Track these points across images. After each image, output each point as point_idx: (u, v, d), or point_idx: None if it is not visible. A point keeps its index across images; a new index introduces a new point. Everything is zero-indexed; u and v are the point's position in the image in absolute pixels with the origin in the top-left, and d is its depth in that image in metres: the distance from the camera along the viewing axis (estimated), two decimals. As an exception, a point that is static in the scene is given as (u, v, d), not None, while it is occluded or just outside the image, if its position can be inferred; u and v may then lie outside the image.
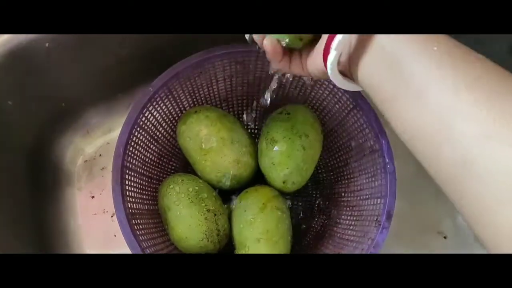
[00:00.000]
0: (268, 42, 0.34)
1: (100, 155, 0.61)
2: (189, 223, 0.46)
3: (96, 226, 0.58)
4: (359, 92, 0.47)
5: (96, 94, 0.59)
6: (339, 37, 0.28)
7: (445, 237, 0.58)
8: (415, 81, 0.24)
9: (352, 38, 0.28)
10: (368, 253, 0.43)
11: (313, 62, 0.33)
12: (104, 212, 0.58)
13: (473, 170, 0.21)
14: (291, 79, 0.51)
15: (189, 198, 0.48)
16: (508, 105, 0.21)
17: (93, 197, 0.59)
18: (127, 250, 0.55)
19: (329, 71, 0.30)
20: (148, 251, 0.43)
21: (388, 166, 0.45)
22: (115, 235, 0.57)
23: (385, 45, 0.26)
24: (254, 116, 0.59)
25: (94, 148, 0.61)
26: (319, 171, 0.57)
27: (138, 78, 0.61)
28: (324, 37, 0.30)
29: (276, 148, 0.49)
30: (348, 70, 0.30)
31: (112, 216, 0.58)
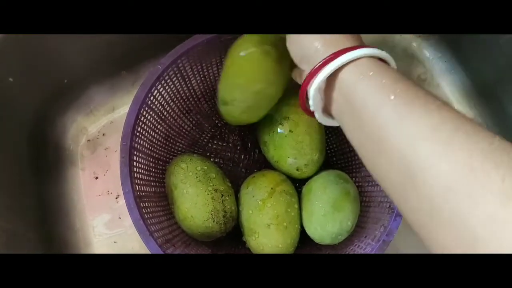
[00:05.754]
0: None
1: (103, 134, 0.59)
2: (195, 201, 0.45)
3: (100, 207, 0.56)
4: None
5: (99, 71, 0.56)
6: (311, 91, 0.32)
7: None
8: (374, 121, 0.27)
9: (322, 83, 0.31)
10: (381, 240, 0.42)
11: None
12: (108, 193, 0.57)
13: (441, 217, 0.22)
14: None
15: (196, 177, 0.46)
16: (466, 152, 0.22)
17: (97, 177, 0.57)
18: (133, 232, 0.54)
19: (316, 114, 0.35)
20: (155, 235, 0.42)
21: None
22: (119, 217, 0.56)
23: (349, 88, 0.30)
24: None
25: (97, 127, 0.59)
26: (329, 155, 0.56)
27: (142, 55, 0.59)
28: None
29: (265, 148, 0.51)
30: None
31: (116, 198, 0.56)
